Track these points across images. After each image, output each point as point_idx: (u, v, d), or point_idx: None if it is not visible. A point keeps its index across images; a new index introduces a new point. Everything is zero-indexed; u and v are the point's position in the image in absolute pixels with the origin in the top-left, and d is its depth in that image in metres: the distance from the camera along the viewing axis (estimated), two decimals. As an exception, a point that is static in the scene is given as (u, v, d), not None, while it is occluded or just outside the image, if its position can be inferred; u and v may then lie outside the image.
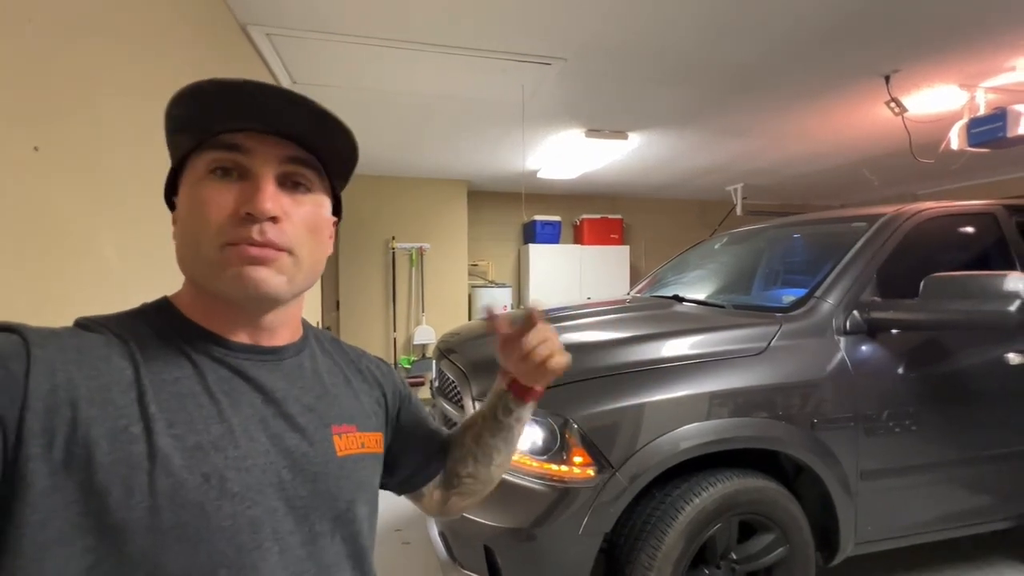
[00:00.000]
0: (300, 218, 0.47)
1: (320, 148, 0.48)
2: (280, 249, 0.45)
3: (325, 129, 0.47)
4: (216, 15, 1.76)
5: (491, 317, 0.62)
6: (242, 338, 0.48)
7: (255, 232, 0.44)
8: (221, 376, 0.45)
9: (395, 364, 4.89)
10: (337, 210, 0.55)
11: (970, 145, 2.57)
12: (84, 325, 0.43)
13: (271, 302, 0.47)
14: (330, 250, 0.53)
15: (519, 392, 0.64)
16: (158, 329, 0.45)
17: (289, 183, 0.47)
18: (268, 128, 0.45)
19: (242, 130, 0.45)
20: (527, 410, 0.66)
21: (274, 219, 0.45)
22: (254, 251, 0.44)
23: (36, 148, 0.87)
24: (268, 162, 0.46)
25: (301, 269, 0.48)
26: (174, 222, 0.48)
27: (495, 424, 0.65)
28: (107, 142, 1.08)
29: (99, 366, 0.39)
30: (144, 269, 1.18)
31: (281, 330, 0.51)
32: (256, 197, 0.44)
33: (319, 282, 3.74)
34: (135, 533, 0.37)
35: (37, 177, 0.87)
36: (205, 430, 0.41)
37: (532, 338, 0.58)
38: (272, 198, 0.44)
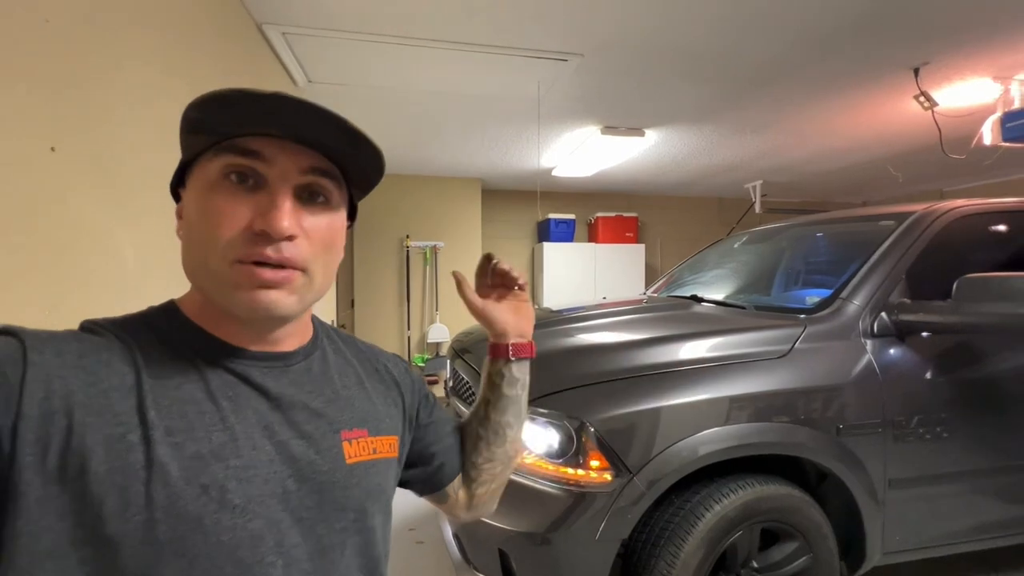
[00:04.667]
0: (317, 234, 0.45)
1: (345, 160, 0.46)
2: (295, 268, 0.43)
3: (354, 147, 0.45)
4: (232, 14, 1.76)
5: (460, 281, 0.64)
6: (249, 345, 0.46)
7: (270, 250, 0.41)
8: (225, 381, 0.43)
9: (409, 362, 4.91)
10: (351, 215, 0.53)
11: (1004, 140, 2.47)
12: (88, 328, 0.42)
13: (280, 321, 0.46)
14: (341, 255, 0.51)
15: (517, 350, 0.65)
16: (162, 334, 0.44)
17: (307, 194, 0.45)
18: (291, 136, 0.43)
19: (263, 135, 0.42)
20: (526, 370, 0.67)
21: (290, 237, 0.42)
22: (268, 275, 0.42)
23: (53, 148, 0.87)
24: (288, 173, 0.43)
25: (313, 288, 0.46)
26: (178, 215, 0.46)
27: (501, 399, 0.65)
28: (124, 141, 1.08)
29: (99, 371, 0.38)
30: (161, 269, 1.19)
31: (289, 338, 0.49)
32: (273, 214, 0.41)
33: (334, 281, 3.77)
34: (130, 546, 0.35)
35: (54, 177, 0.88)
36: (206, 438, 0.40)
37: (502, 263, 0.64)
38: (290, 215, 0.42)
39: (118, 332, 0.42)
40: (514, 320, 0.66)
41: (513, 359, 0.65)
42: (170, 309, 0.46)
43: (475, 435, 0.66)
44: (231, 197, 0.42)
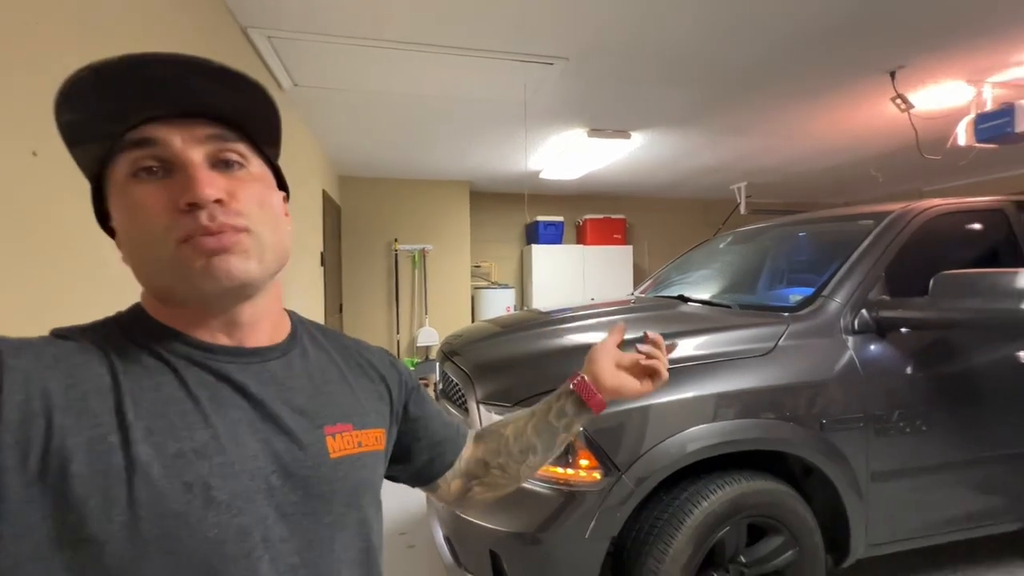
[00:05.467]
0: (245, 194, 0.44)
1: (238, 117, 0.44)
2: (237, 230, 0.42)
3: (235, 92, 0.43)
4: (217, 18, 1.76)
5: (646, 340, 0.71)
6: (222, 340, 0.46)
7: (205, 218, 0.40)
8: (203, 381, 0.43)
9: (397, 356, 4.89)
10: (283, 185, 0.51)
11: (978, 141, 2.55)
12: (60, 334, 0.42)
13: (245, 289, 0.44)
14: (289, 228, 0.50)
15: (586, 395, 0.65)
16: (134, 336, 0.43)
17: (220, 164, 0.43)
18: (174, 111, 0.41)
19: (150, 121, 0.41)
20: (581, 419, 0.67)
21: (219, 201, 0.41)
22: (211, 241, 0.41)
23: (34, 153, 0.86)
24: (188, 146, 0.42)
25: (265, 247, 0.44)
26: (119, 246, 0.44)
27: (544, 424, 0.65)
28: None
29: (76, 374, 0.38)
30: (145, 273, 1.18)
31: (261, 325, 0.48)
32: (192, 184, 0.40)
33: (321, 284, 3.74)
34: (115, 546, 0.35)
35: (35, 181, 0.87)
36: (188, 437, 0.40)
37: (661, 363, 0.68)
38: (209, 181, 0.41)
39: (91, 337, 0.42)
40: (611, 377, 0.68)
41: (573, 391, 0.66)
42: (138, 312, 0.46)
43: (503, 440, 0.66)
44: (148, 189, 0.41)
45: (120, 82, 0.39)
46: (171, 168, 0.41)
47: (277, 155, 0.51)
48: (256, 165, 0.47)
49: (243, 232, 0.42)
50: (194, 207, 0.40)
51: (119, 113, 0.40)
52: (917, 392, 1.49)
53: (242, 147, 0.45)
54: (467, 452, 0.68)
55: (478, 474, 0.66)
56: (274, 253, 0.46)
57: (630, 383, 0.68)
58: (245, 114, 0.45)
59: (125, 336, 0.43)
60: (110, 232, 0.46)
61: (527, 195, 5.44)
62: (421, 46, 2.11)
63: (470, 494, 0.67)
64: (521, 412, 0.69)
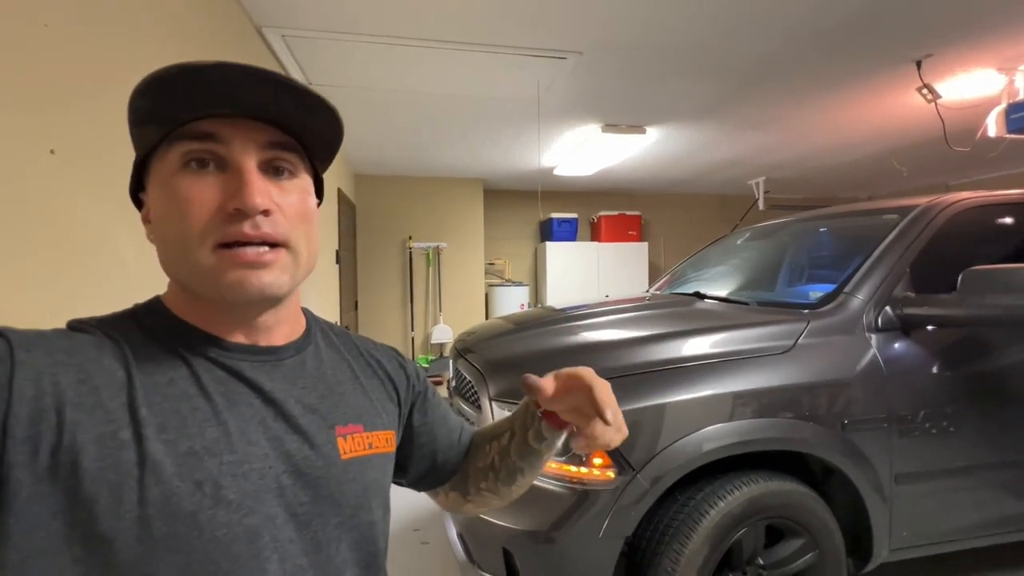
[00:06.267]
0: (290, 207, 0.44)
1: (301, 130, 0.45)
2: (277, 244, 0.43)
3: (307, 111, 0.43)
4: (231, 17, 1.77)
5: (529, 388, 0.52)
6: (238, 338, 0.45)
7: (248, 227, 0.41)
8: (217, 377, 0.43)
9: (411, 356, 4.93)
10: (319, 192, 0.51)
11: (1009, 131, 2.45)
12: (75, 327, 0.42)
13: (272, 302, 0.45)
14: (318, 230, 0.50)
15: (556, 422, 0.57)
16: (150, 330, 0.43)
17: (271, 169, 0.44)
18: (243, 112, 0.42)
19: (214, 116, 0.41)
20: (561, 438, 0.60)
21: (266, 212, 0.41)
22: (251, 254, 0.41)
23: (52, 151, 0.87)
24: (248, 150, 0.42)
25: (300, 263, 0.45)
26: (145, 220, 0.45)
27: (524, 447, 0.61)
28: (123, 144, 1.09)
29: (88, 368, 0.38)
30: (160, 269, 1.19)
31: (279, 327, 0.48)
32: (244, 191, 0.40)
33: (337, 282, 3.78)
34: (124, 544, 0.35)
35: (54, 179, 0.88)
36: (199, 434, 0.39)
37: (600, 430, 0.51)
38: (261, 190, 0.41)
39: (106, 330, 0.41)
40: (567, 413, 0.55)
41: (542, 417, 0.58)
42: (156, 306, 0.46)
43: (489, 461, 0.62)
44: (196, 184, 0.41)
45: (198, 81, 0.39)
46: (224, 166, 0.42)
47: (325, 169, 0.51)
48: (303, 174, 0.47)
49: (282, 248, 0.43)
50: (240, 213, 0.40)
51: (187, 104, 0.40)
52: (944, 392, 1.44)
53: (295, 157, 0.45)
54: (463, 467, 0.66)
55: (469, 493, 0.65)
56: (306, 266, 0.46)
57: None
58: (307, 129, 0.45)
59: (141, 329, 0.43)
60: (138, 204, 0.46)
61: (541, 192, 5.42)
62: (434, 43, 2.10)
63: (464, 508, 0.66)
64: (500, 424, 0.64)
